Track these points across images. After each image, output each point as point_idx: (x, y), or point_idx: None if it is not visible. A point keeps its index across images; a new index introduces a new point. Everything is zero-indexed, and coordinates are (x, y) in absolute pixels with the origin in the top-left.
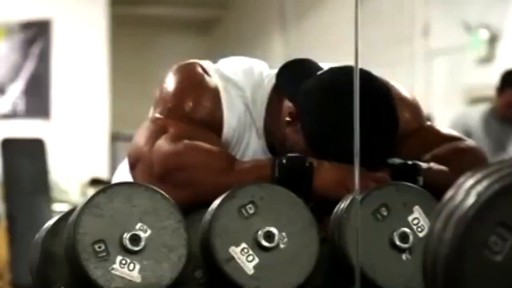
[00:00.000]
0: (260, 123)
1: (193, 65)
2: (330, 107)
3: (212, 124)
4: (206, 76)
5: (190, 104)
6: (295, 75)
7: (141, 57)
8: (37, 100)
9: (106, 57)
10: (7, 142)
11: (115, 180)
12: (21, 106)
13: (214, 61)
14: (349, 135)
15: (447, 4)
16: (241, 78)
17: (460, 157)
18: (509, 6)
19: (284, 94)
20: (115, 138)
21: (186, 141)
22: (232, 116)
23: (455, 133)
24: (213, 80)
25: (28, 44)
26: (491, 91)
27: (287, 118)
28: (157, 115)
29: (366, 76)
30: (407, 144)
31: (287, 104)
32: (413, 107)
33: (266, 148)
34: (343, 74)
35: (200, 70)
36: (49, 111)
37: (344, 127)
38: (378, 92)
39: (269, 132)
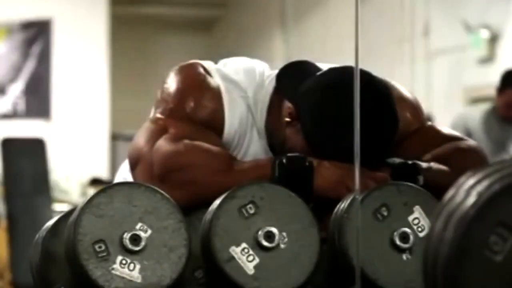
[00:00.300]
0: (261, 123)
1: (194, 66)
2: (329, 107)
3: (213, 124)
4: (207, 77)
5: (191, 104)
6: (295, 77)
7: (141, 57)
8: (37, 100)
9: (106, 57)
10: (7, 142)
11: (116, 180)
12: (21, 106)
13: (216, 61)
14: (349, 135)
15: (447, 4)
16: (243, 79)
17: (460, 157)
18: (510, 6)
19: (284, 95)
20: (115, 138)
21: (186, 141)
22: (233, 117)
23: (455, 133)
24: (215, 80)
25: (28, 44)
26: (491, 91)
27: (287, 119)
28: (158, 115)
29: (366, 77)
30: (407, 144)
31: (287, 104)
32: (414, 108)
33: (268, 148)
34: (342, 74)
35: (201, 70)
36: (49, 111)
37: (344, 127)
38: (377, 92)
39: (269, 132)
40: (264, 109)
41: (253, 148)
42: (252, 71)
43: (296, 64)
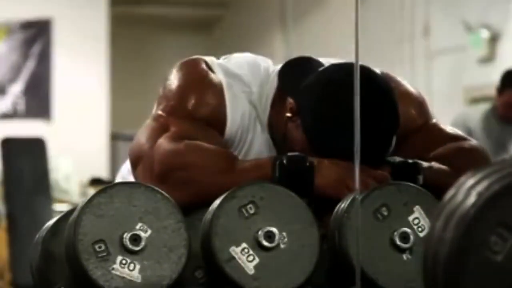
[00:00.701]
0: (265, 118)
1: (197, 61)
2: (329, 102)
3: (215, 121)
4: (209, 73)
5: (193, 101)
6: (297, 72)
7: (141, 57)
8: (37, 100)
9: (106, 57)
10: (7, 142)
11: (118, 179)
12: (21, 106)
13: (219, 57)
14: (349, 131)
15: (448, 4)
16: (247, 73)
17: (462, 157)
18: (510, 6)
19: (285, 91)
20: (115, 138)
21: (186, 141)
22: (235, 113)
23: (459, 132)
24: (217, 76)
25: (28, 44)
26: (491, 91)
27: (288, 114)
28: (160, 113)
29: (367, 73)
30: (411, 142)
31: (289, 100)
32: (419, 103)
33: (271, 142)
34: (343, 70)
35: (203, 66)
36: (49, 111)
37: (344, 123)
38: (378, 91)
39: (272, 127)
40: (268, 104)
41: (257, 143)
42: (256, 65)
43: (298, 60)
